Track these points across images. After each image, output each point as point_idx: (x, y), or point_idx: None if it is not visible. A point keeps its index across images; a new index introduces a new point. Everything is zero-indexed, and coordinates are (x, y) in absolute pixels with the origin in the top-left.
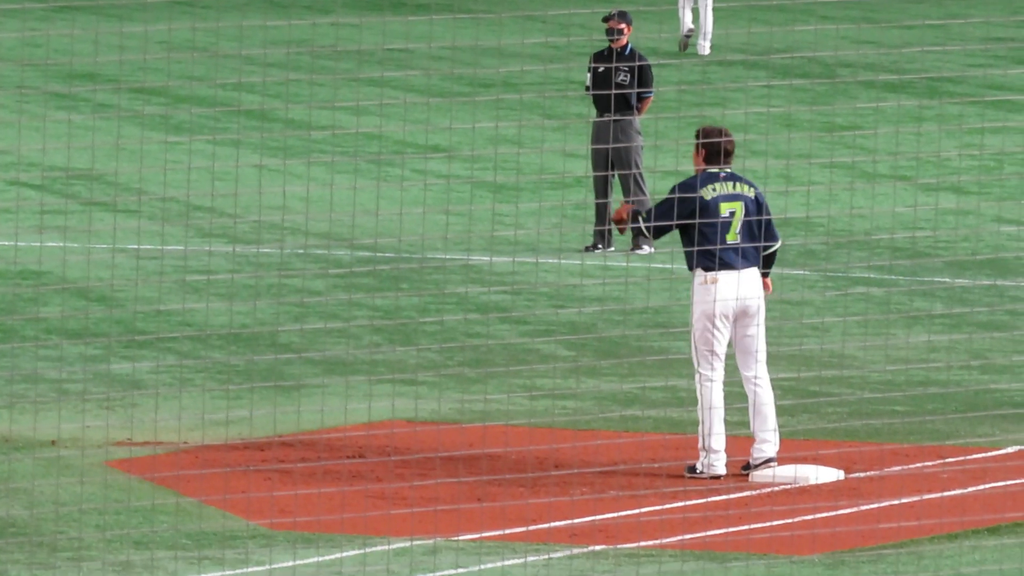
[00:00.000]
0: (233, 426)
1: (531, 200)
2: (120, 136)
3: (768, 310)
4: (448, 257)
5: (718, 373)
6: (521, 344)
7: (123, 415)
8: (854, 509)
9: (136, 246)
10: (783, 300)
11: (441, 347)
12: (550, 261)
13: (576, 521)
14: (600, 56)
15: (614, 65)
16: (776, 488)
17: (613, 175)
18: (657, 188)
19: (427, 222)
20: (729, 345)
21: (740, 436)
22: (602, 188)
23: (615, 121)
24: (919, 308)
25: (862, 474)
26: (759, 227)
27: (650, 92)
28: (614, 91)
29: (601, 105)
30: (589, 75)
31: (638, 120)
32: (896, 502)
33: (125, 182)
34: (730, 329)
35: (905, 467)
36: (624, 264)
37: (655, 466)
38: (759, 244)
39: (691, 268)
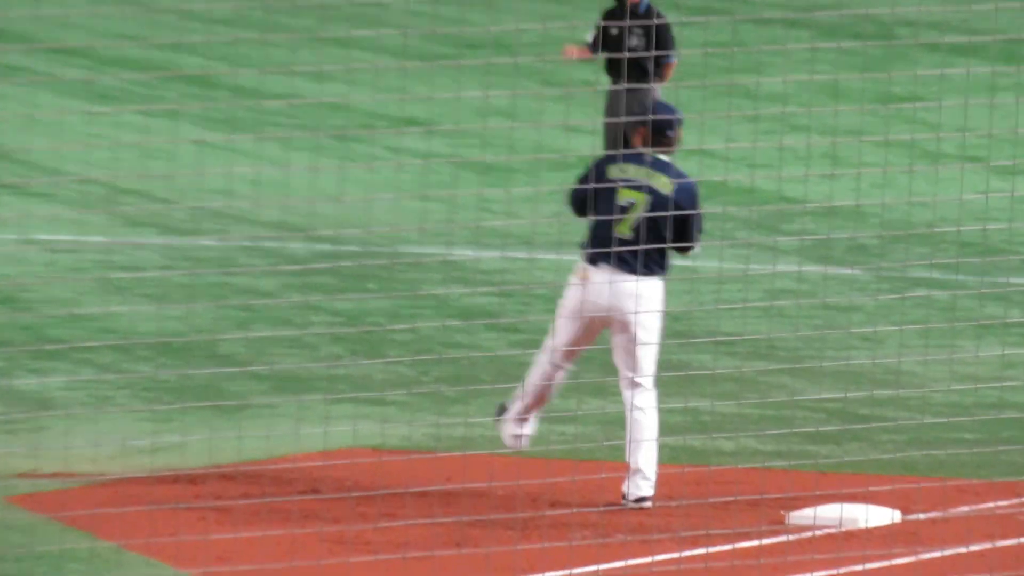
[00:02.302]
0: (161, 454)
1: (526, 184)
2: (33, 105)
3: (811, 316)
4: (425, 252)
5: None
6: (511, 357)
7: (28, 440)
8: (912, 558)
9: (49, 236)
10: (828, 306)
11: (414, 359)
12: (548, 257)
13: (576, 571)
14: (611, 14)
15: (627, 25)
16: (818, 532)
17: None
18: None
19: (400, 209)
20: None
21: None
22: None
23: (630, 91)
24: (992, 315)
25: (922, 515)
26: (666, 229)
27: (671, 57)
28: (627, 55)
29: (614, 72)
30: (593, 32)
31: (659, 88)
32: (963, 550)
33: (38, 160)
34: (592, 332)
35: (974, 507)
36: None
37: (672, 504)
38: (651, 247)
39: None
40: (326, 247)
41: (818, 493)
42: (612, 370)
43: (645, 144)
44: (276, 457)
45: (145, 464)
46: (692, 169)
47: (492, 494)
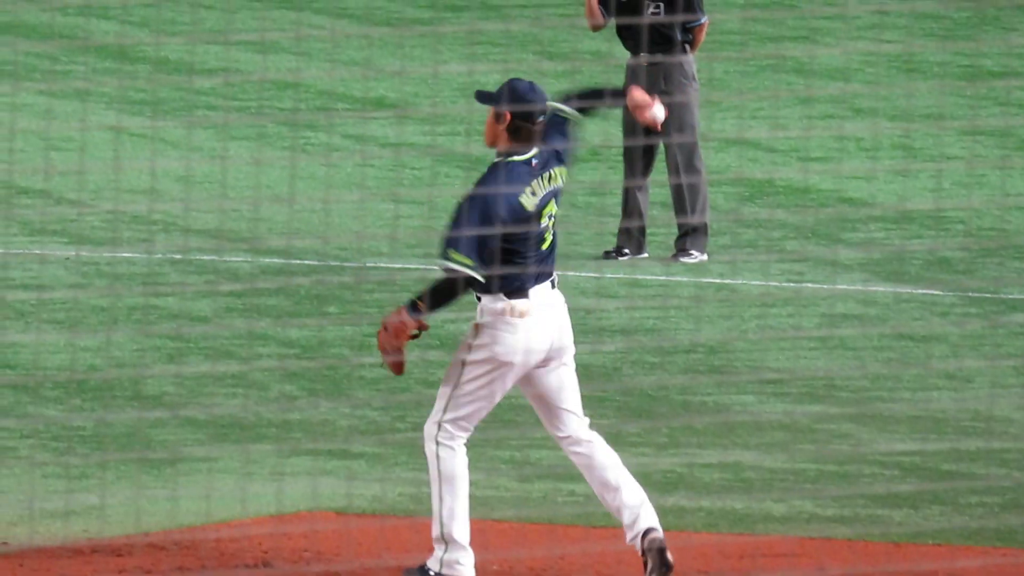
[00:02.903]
0: (76, 519)
1: None
2: None
3: (880, 348)
4: (398, 267)
5: (466, 434)
6: (508, 399)
7: None
8: None
9: None
10: (902, 335)
11: (388, 401)
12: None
13: None
14: None
15: None
16: None
17: (655, 144)
18: (712, 164)
19: (366, 214)
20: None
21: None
22: (635, 164)
23: (654, 65)
24: None
25: None
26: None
27: (699, 20)
28: (647, 20)
29: (630, 41)
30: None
31: (692, 59)
32: None
33: None
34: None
35: None
36: (663, 278)
37: None
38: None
39: (488, 291)
40: (275, 261)
41: (890, 569)
42: (633, 414)
43: (517, 139)
44: (218, 523)
45: (56, 531)
46: (732, 163)
47: (485, 569)
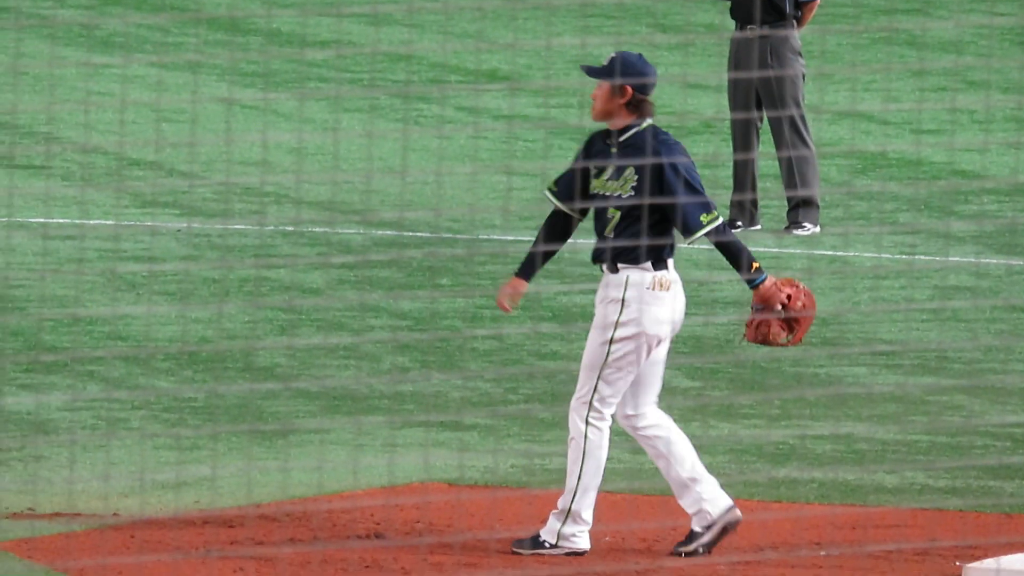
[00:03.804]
0: (188, 490)
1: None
2: (20, 55)
3: (992, 320)
4: (511, 239)
5: (611, 411)
6: None
7: (22, 473)
8: None
9: (42, 219)
10: (1014, 306)
11: (500, 373)
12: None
13: None
14: None
15: None
16: None
17: (760, 117)
18: (825, 137)
19: (479, 186)
20: None
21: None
22: (743, 137)
23: (762, 38)
24: None
25: None
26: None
27: None
28: None
29: (741, 14)
30: None
31: (797, 35)
32: None
33: (26, 124)
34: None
35: None
36: (775, 250)
37: (821, 554)
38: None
39: (636, 262)
40: (387, 233)
41: (1002, 540)
42: (745, 386)
43: (643, 113)
44: (330, 494)
45: (168, 502)
46: (844, 135)
47: (598, 538)
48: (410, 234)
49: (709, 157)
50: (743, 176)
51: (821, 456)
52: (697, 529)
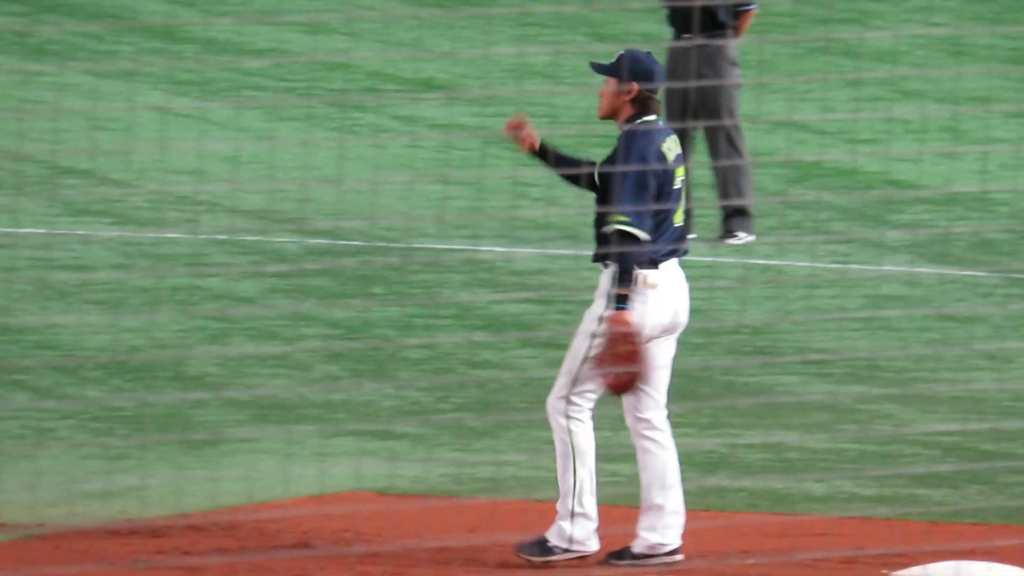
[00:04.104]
0: (116, 500)
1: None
2: None
3: (923, 329)
4: (445, 248)
5: (590, 407)
6: (552, 379)
7: None
8: None
9: None
10: (945, 316)
11: (432, 382)
12: None
13: None
14: None
15: None
16: None
17: (695, 128)
18: (761, 146)
19: (414, 195)
20: None
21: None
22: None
23: (699, 47)
24: None
25: None
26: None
27: (751, 5)
28: (696, 2)
29: (678, 22)
30: None
31: (734, 45)
32: None
33: None
34: None
35: None
36: (709, 259)
37: (748, 562)
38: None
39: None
40: (321, 242)
41: (929, 548)
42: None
43: (645, 110)
44: (259, 503)
45: (95, 512)
46: (780, 145)
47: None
48: (344, 243)
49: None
50: None
51: (751, 465)
52: (635, 550)
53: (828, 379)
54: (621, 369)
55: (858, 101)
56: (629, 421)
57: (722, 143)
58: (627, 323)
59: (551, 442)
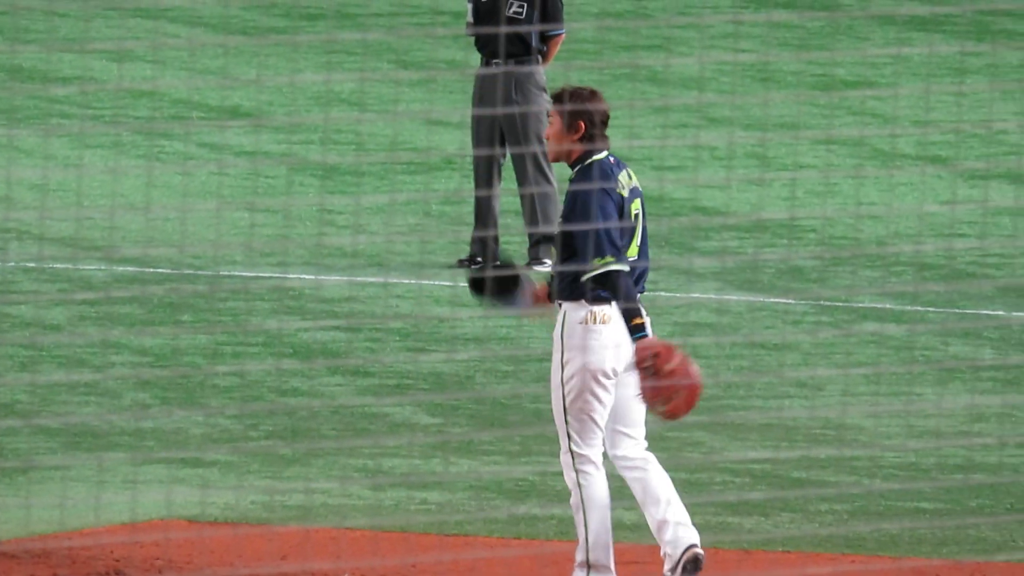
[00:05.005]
0: None
1: (379, 190)
2: None
3: (733, 357)
4: (253, 275)
5: (598, 452)
6: (361, 407)
7: None
8: None
9: None
10: (754, 343)
11: (242, 410)
12: (405, 282)
13: None
14: None
15: None
16: None
17: (503, 154)
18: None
19: (222, 223)
20: None
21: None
22: (485, 173)
23: (507, 74)
24: (958, 356)
25: None
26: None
27: (560, 30)
28: (504, 29)
29: (487, 49)
30: (471, 5)
31: (542, 71)
32: None
33: None
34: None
35: None
36: None
37: None
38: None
39: (568, 299)
40: (129, 269)
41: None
42: (486, 422)
43: (592, 142)
44: (71, 531)
45: None
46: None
47: (338, 574)
48: (152, 270)
49: (451, 194)
50: (485, 212)
51: (561, 493)
52: (672, 566)
53: None
54: (672, 391)
55: (665, 128)
56: (613, 462)
57: (530, 169)
58: (653, 346)
59: (362, 470)
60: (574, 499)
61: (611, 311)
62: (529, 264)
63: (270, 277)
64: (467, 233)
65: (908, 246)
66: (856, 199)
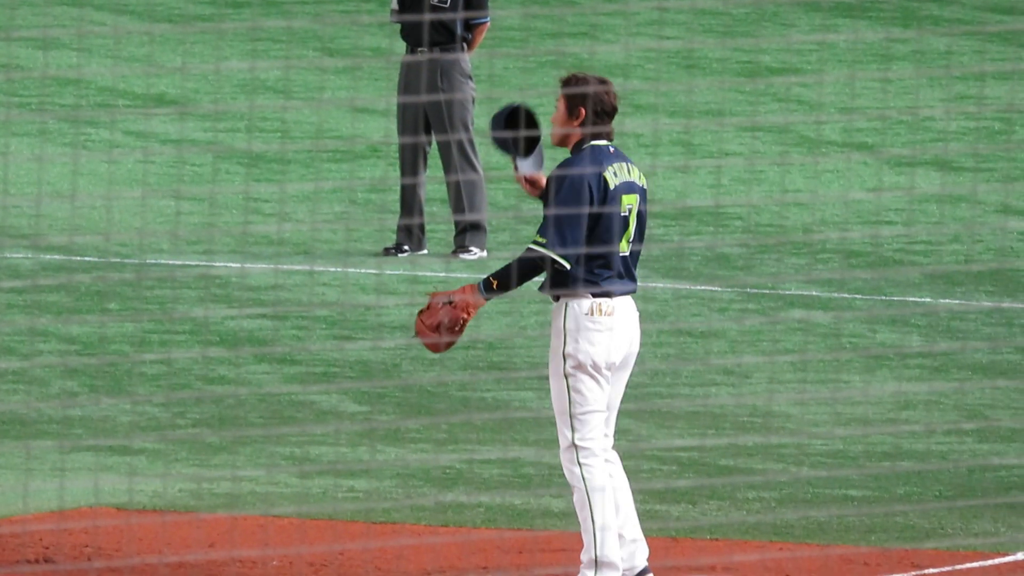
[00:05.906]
0: None
1: (304, 178)
2: None
3: (659, 344)
4: (179, 263)
5: (599, 443)
6: (288, 394)
7: None
8: None
9: None
10: (681, 330)
11: (169, 398)
12: (331, 270)
13: None
14: None
15: None
16: None
17: (429, 141)
18: (493, 161)
19: (147, 211)
20: None
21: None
22: (411, 161)
23: (432, 61)
24: (885, 343)
25: None
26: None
27: (484, 18)
28: (428, 17)
29: (412, 36)
30: None
31: (468, 58)
32: None
33: None
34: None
35: None
36: (442, 275)
37: None
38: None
39: (562, 287)
40: (56, 257)
41: (669, 564)
42: (413, 410)
43: (593, 129)
44: None
45: None
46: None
47: (266, 563)
48: (79, 259)
49: (376, 182)
50: (411, 200)
51: (488, 480)
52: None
53: None
54: (443, 337)
55: None
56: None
57: (457, 157)
58: (472, 310)
59: (289, 458)
60: (578, 497)
61: (614, 303)
62: (455, 252)
63: (196, 265)
64: (393, 221)
65: (834, 233)
66: (782, 186)
